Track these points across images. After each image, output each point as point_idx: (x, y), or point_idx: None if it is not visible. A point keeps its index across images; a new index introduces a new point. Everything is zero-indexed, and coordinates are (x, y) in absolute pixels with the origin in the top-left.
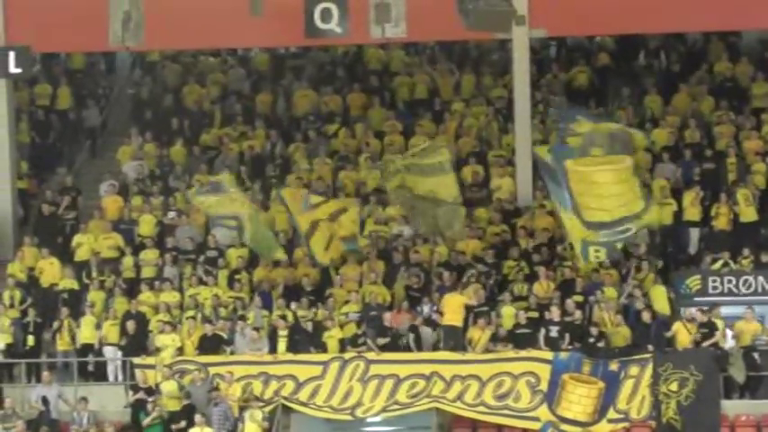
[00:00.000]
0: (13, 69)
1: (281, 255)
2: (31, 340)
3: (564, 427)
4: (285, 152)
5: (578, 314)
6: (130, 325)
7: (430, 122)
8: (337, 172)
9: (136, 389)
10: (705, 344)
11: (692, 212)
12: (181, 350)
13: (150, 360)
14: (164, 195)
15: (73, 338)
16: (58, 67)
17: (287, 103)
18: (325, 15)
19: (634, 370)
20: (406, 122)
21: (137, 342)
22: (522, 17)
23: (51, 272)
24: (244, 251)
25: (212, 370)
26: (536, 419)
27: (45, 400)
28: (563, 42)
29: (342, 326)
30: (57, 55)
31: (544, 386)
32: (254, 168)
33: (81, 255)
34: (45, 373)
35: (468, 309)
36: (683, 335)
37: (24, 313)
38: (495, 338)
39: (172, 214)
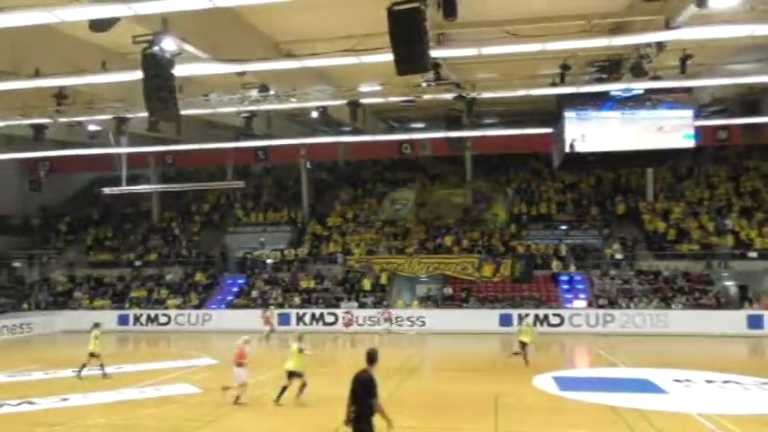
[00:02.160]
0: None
1: None
2: None
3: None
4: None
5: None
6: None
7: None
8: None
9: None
10: None
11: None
12: (361, 254)
13: (352, 257)
14: None
15: None
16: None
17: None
18: (406, 147)
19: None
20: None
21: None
22: (469, 147)
23: None
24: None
25: (370, 261)
26: (473, 276)
27: None
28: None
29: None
30: None
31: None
32: None
33: None
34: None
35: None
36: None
37: None
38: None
39: None
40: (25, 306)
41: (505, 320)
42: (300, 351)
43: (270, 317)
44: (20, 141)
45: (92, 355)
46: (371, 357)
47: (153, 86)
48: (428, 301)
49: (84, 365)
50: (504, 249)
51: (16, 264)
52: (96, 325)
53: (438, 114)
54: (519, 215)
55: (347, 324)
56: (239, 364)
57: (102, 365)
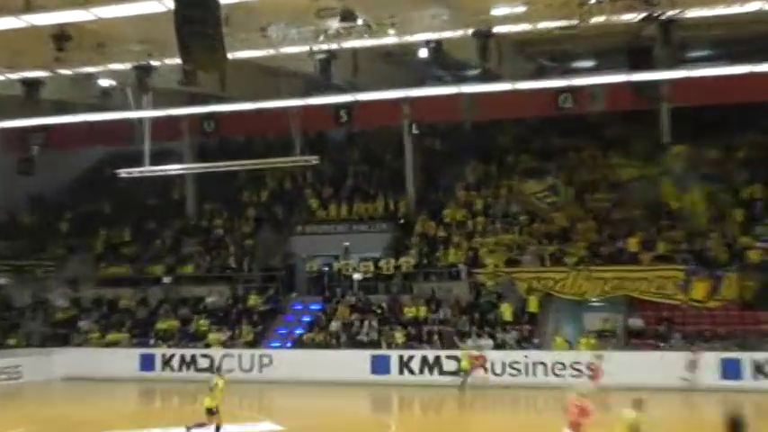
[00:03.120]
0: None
1: None
2: None
3: None
4: None
5: None
6: (470, 253)
7: None
8: None
9: (477, 283)
10: None
11: None
12: (498, 266)
13: (483, 270)
14: None
15: None
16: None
17: None
18: (565, 98)
19: None
20: None
21: (474, 261)
22: (665, 96)
23: None
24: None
25: (514, 276)
26: (677, 299)
27: None
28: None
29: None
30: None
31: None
32: None
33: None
34: None
35: None
36: None
37: None
38: None
39: None
40: (12, 341)
41: (731, 369)
42: (632, 427)
43: (478, 357)
44: (6, 105)
45: (210, 411)
46: (737, 426)
47: (189, 18)
48: (604, 337)
49: (203, 424)
50: (727, 257)
51: (1, 280)
52: (218, 369)
53: (616, 46)
54: (751, 202)
55: (594, 375)
56: (576, 426)
57: (218, 427)
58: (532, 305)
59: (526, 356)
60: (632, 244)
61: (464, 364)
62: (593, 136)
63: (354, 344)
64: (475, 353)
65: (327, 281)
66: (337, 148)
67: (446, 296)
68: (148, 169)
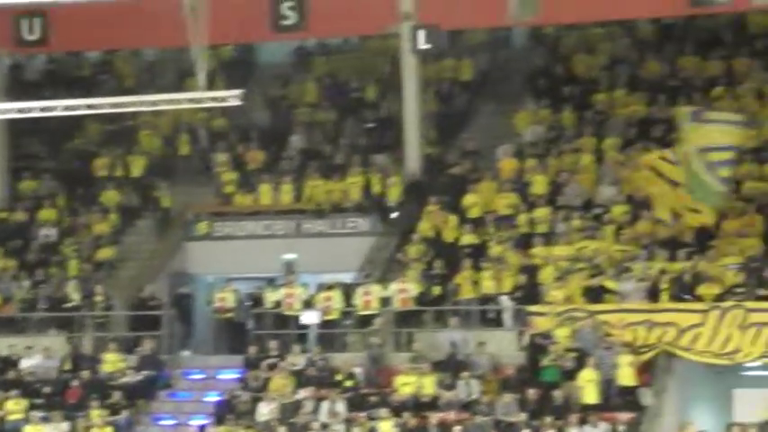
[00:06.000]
0: (422, 46)
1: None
2: (437, 290)
3: None
4: (669, 116)
5: None
6: (522, 277)
7: None
8: None
9: (533, 334)
10: None
11: None
12: (570, 299)
13: (543, 308)
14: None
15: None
16: (461, 43)
17: (671, 69)
18: None
19: None
20: None
21: (529, 292)
22: None
23: (450, 228)
24: (626, 207)
25: (600, 317)
26: None
27: (453, 344)
28: None
29: (721, 277)
30: (461, 31)
31: None
32: (640, 131)
33: (474, 213)
34: (452, 320)
35: None
36: None
37: (430, 266)
38: None
39: (564, 175)
40: None
41: None
42: None
43: None
44: None
45: None
46: None
47: None
48: None
49: None
50: None
51: None
52: None
53: None
54: None
55: None
56: None
57: None
58: (628, 374)
59: None
60: None
61: None
62: (756, 54)
63: None
64: None
65: (254, 326)
66: (277, 78)
67: (474, 357)
68: None
